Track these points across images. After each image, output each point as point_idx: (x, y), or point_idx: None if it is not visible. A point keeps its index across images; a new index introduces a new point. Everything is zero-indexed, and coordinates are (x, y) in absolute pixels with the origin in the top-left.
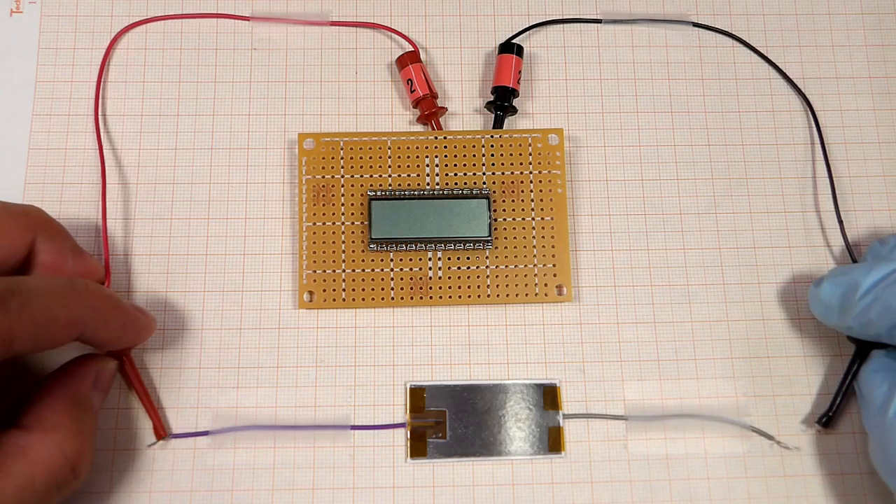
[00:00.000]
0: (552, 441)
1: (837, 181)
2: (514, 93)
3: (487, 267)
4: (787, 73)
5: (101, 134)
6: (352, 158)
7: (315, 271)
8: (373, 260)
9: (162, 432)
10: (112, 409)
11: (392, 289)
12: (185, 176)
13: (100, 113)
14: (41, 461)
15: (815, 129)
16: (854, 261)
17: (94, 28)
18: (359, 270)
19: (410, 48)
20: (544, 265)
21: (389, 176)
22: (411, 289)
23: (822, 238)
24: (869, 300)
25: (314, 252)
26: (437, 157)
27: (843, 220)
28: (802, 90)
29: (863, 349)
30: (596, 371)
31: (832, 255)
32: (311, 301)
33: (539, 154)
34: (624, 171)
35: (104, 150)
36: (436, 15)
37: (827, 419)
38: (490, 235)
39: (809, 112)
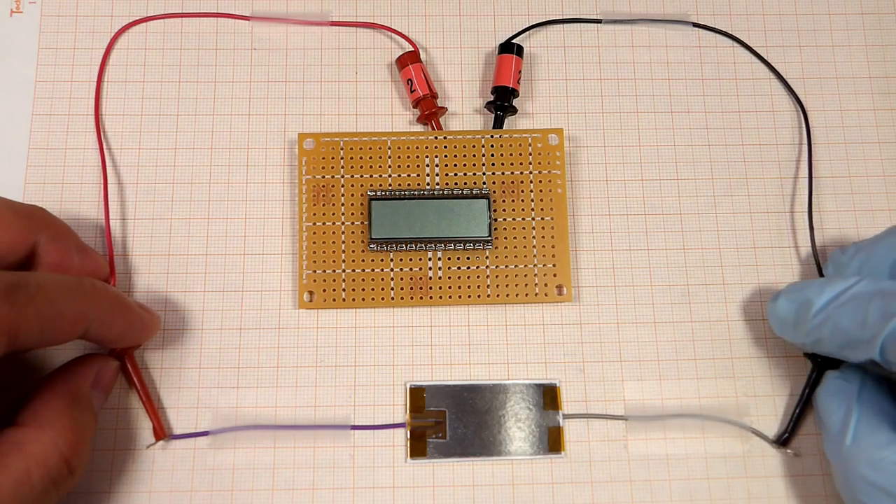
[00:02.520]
0: (552, 441)
1: (837, 181)
2: (514, 93)
3: (487, 267)
4: (787, 73)
5: (101, 134)
6: (352, 158)
7: (315, 271)
8: (373, 260)
9: (161, 433)
10: (112, 409)
11: (392, 289)
12: (185, 176)
13: (100, 113)
14: (36, 456)
15: (804, 129)
16: (819, 267)
17: (94, 28)
18: (359, 270)
19: (410, 48)
20: (544, 265)
21: (389, 176)
22: (411, 289)
23: (822, 238)
24: (821, 319)
25: (314, 252)
26: (437, 157)
27: (843, 220)
28: (801, 90)
29: (821, 367)
30: (596, 371)
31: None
32: (311, 301)
33: (539, 154)
34: (624, 171)
35: (104, 150)
36: (436, 15)
37: (784, 438)
38: (490, 235)
39: (801, 112)
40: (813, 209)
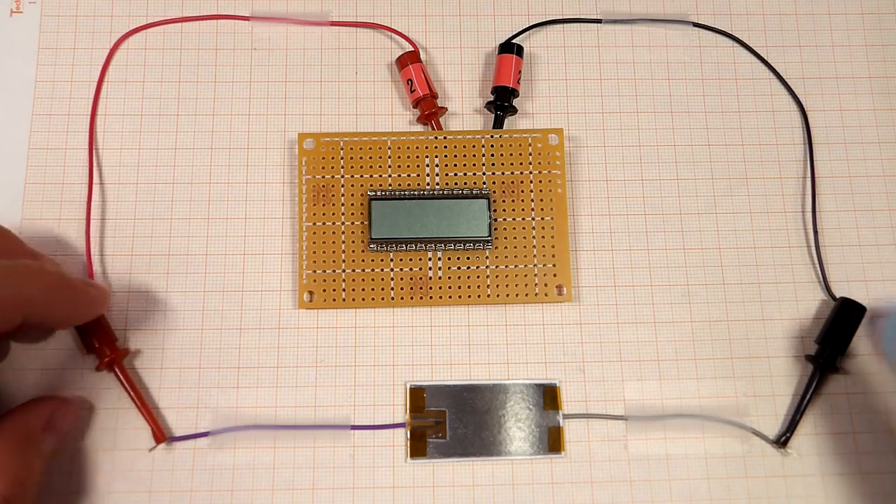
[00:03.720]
0: (552, 441)
1: (837, 181)
2: (514, 93)
3: (487, 267)
4: (787, 74)
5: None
6: (352, 158)
7: (315, 271)
8: (373, 260)
9: (161, 437)
10: (112, 409)
11: (392, 289)
12: (185, 176)
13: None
14: None
15: (804, 129)
16: (822, 268)
17: (95, 28)
18: (359, 270)
19: (410, 48)
20: (544, 265)
21: (389, 176)
22: (411, 289)
23: (822, 238)
24: None
25: (314, 252)
26: (437, 157)
27: (843, 220)
28: (801, 90)
29: (822, 368)
30: (596, 371)
31: (829, 255)
32: (311, 301)
33: (539, 154)
34: (624, 171)
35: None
36: (436, 15)
37: (784, 439)
38: (490, 235)
39: (801, 112)
40: (819, 208)
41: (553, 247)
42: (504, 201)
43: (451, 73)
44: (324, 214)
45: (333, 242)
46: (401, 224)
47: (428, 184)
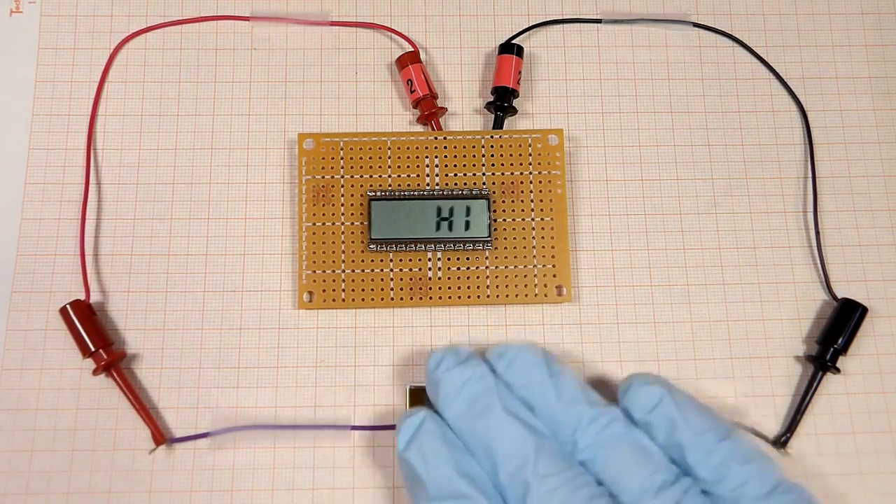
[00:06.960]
0: None
1: (837, 181)
2: (514, 93)
3: (487, 267)
4: (787, 74)
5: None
6: (352, 158)
7: (315, 271)
8: (373, 260)
9: (160, 438)
10: (112, 409)
11: (392, 289)
12: (185, 176)
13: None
14: None
15: (804, 129)
16: (824, 268)
17: (94, 28)
18: (359, 270)
19: (410, 48)
20: (544, 265)
21: (389, 176)
22: (411, 289)
23: (822, 238)
24: None
25: (314, 252)
26: (437, 157)
27: (843, 220)
28: (801, 90)
29: (822, 367)
30: (596, 371)
31: (829, 255)
32: (310, 301)
33: (539, 154)
34: (624, 171)
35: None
36: (436, 15)
37: (785, 439)
38: (490, 236)
39: (801, 112)
40: (818, 208)
41: (553, 247)
42: (504, 201)
43: (451, 73)
44: (323, 215)
45: (333, 242)
46: (401, 224)
47: (428, 184)
